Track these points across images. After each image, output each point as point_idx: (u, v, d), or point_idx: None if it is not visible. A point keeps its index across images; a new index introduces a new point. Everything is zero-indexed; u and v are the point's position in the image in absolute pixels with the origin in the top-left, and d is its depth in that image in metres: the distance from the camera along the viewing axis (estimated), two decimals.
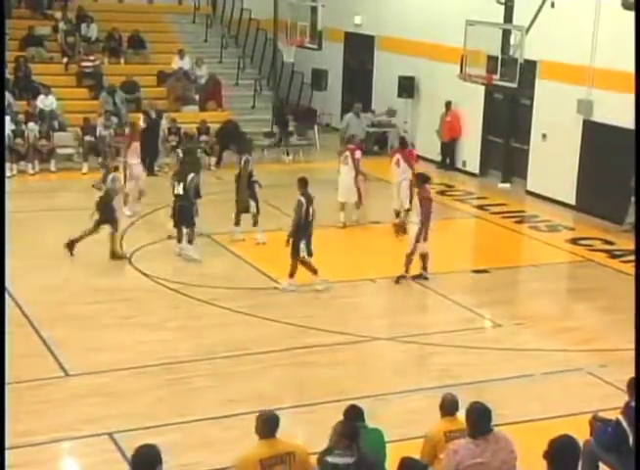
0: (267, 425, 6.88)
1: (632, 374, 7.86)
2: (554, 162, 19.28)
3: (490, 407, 6.80)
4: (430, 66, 22.62)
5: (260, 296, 13.47)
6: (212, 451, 8.13)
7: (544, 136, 19.75)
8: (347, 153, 17.39)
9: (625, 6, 15.75)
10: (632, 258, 14.82)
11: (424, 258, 14.26)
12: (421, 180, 14.44)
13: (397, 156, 17.29)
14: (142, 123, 20.66)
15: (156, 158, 21.05)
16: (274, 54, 25.83)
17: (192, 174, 14.95)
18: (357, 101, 25.46)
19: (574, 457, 6.02)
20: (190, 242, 14.97)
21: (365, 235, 16.85)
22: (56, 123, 21.51)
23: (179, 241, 15.04)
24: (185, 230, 14.96)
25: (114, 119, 21.81)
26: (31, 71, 22.79)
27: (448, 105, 21.94)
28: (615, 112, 17.36)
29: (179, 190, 14.86)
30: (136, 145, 18.10)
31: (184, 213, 14.86)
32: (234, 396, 9.66)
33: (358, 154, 17.52)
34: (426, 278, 14.25)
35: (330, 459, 6.64)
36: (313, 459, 7.44)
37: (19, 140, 20.52)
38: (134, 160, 17.80)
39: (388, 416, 9.27)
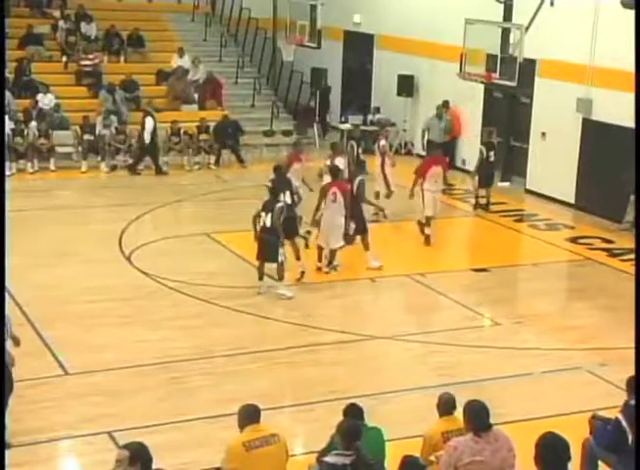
0: (250, 415, 7.04)
1: (632, 373, 7.86)
2: (553, 160, 19.29)
3: (489, 406, 6.81)
4: (429, 64, 22.62)
5: (260, 295, 13.47)
6: (211, 450, 8.12)
7: (543, 135, 19.75)
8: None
9: (625, 4, 15.76)
10: (632, 256, 14.82)
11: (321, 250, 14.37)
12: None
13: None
14: (149, 125, 20.75)
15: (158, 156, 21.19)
16: (273, 53, 25.85)
17: (281, 203, 13.27)
18: (357, 100, 25.61)
19: (561, 452, 5.95)
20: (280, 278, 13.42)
21: None
22: (57, 121, 21.46)
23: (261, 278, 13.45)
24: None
25: (114, 118, 21.84)
26: (31, 70, 22.80)
27: (446, 104, 21.80)
28: (614, 110, 17.35)
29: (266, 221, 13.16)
30: (297, 167, 15.81)
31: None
32: (233, 395, 9.64)
33: (383, 141, 17.62)
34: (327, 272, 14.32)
35: (327, 459, 6.65)
36: (312, 458, 7.46)
37: (18, 139, 20.51)
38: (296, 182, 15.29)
39: (388, 415, 9.26)
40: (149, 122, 20.86)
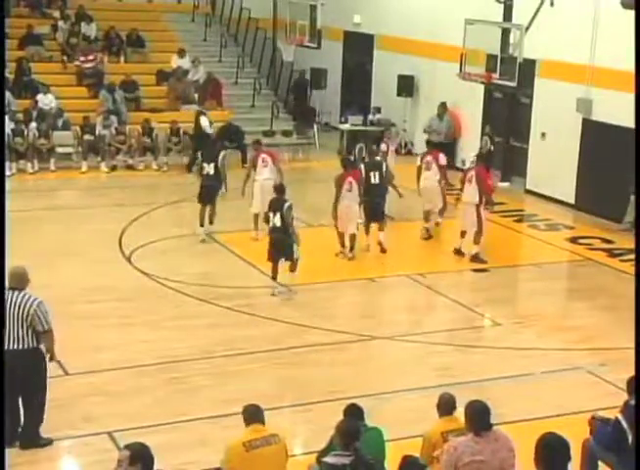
0: (252, 415, 7.13)
1: (632, 373, 7.87)
2: (553, 160, 19.28)
3: (490, 406, 6.81)
4: (429, 65, 22.61)
5: (260, 295, 13.48)
6: (211, 450, 8.12)
7: (543, 135, 19.75)
8: (430, 158, 16.44)
9: (625, 4, 15.76)
10: (632, 256, 14.82)
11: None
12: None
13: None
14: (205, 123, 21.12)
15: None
16: (273, 53, 25.87)
17: (288, 203, 13.25)
18: (357, 100, 25.60)
19: (561, 452, 5.94)
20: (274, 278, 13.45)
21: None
22: (60, 122, 21.44)
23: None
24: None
25: (114, 119, 21.84)
26: (31, 70, 22.80)
27: (444, 105, 21.73)
28: (614, 110, 17.35)
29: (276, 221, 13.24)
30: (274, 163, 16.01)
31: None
32: (233, 395, 9.65)
33: (443, 159, 16.78)
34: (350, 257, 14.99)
35: (327, 459, 6.64)
36: (312, 458, 7.46)
37: (18, 139, 20.51)
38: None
39: (388, 415, 9.27)
40: (204, 121, 21.17)
